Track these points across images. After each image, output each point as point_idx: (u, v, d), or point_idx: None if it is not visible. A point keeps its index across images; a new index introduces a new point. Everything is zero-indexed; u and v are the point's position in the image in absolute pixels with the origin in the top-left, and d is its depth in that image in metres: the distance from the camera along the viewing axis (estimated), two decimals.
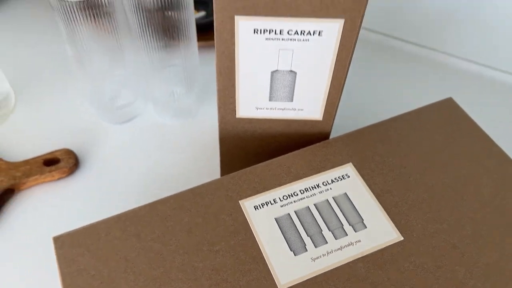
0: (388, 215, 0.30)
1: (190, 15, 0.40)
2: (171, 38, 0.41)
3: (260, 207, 0.31)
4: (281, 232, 0.30)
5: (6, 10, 0.60)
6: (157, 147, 0.45)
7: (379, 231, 0.30)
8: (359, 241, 0.29)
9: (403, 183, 0.32)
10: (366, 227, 0.30)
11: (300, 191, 0.31)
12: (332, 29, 0.28)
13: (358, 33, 0.28)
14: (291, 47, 0.29)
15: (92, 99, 0.46)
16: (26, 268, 0.36)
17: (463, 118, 0.37)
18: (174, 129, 0.47)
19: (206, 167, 0.44)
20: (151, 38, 0.40)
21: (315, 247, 0.29)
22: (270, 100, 0.33)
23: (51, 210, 0.40)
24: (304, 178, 0.32)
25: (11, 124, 0.46)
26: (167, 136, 0.46)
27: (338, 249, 0.29)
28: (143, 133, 0.46)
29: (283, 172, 0.33)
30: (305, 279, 0.27)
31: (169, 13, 0.38)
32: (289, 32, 0.28)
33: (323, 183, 0.32)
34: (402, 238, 0.29)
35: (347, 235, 0.29)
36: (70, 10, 0.37)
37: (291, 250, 0.29)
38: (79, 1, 0.36)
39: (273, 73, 0.31)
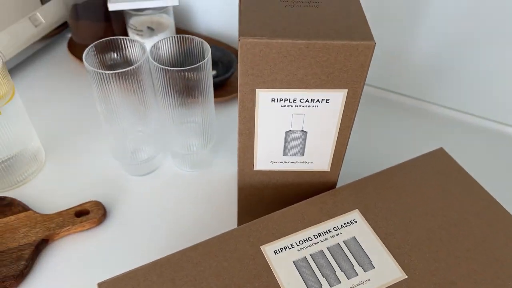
0: (393, 255, 0.34)
1: (209, 76, 0.45)
2: (191, 96, 0.46)
3: (280, 252, 0.35)
4: (299, 273, 0.33)
5: (38, 68, 0.65)
6: (177, 196, 0.49)
7: (385, 271, 0.34)
8: (369, 280, 0.33)
9: (404, 226, 0.36)
10: (374, 267, 0.34)
11: (314, 236, 0.36)
12: (337, 97, 0.33)
13: (360, 99, 0.33)
14: (303, 112, 0.34)
15: (116, 153, 0.50)
16: None
17: (453, 167, 0.41)
18: (192, 179, 0.51)
19: (223, 212, 0.48)
20: (173, 97, 0.45)
21: (330, 286, 0.33)
22: (284, 155, 0.38)
23: (83, 258, 0.43)
24: (317, 224, 0.36)
25: (43, 178, 0.51)
26: (186, 185, 0.51)
27: (350, 287, 0.33)
28: (164, 184, 0.51)
29: (298, 219, 0.37)
30: None
31: (191, 74, 0.43)
32: (301, 100, 0.33)
33: (333, 228, 0.36)
34: (406, 276, 0.33)
35: (357, 274, 0.33)
36: (105, 77, 0.42)
37: None
38: (113, 73, 0.41)
39: (287, 133, 0.36)
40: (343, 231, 0.36)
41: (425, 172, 0.41)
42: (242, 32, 0.30)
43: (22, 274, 0.41)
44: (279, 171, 0.39)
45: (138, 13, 0.61)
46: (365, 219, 0.37)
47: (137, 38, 0.62)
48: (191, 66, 0.42)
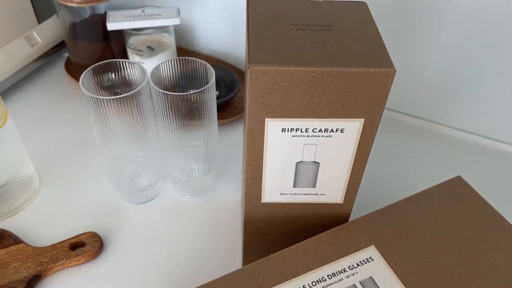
0: None
1: (212, 99, 0.43)
2: (193, 119, 0.43)
3: None
4: None
5: (34, 88, 0.63)
6: (178, 225, 0.47)
7: None
8: None
9: (424, 264, 0.34)
10: None
11: (328, 276, 0.33)
12: (353, 127, 0.31)
13: (377, 128, 0.31)
14: (315, 142, 0.32)
15: (114, 180, 0.47)
16: None
17: (473, 197, 0.39)
18: (193, 206, 0.49)
19: (227, 243, 0.45)
20: (175, 120, 0.43)
21: None
22: (294, 186, 0.35)
23: None
24: (331, 263, 0.34)
25: (37, 207, 0.48)
26: (187, 214, 0.48)
27: None
28: (164, 212, 0.48)
29: (310, 257, 0.34)
30: None
31: (193, 97, 0.41)
32: (314, 130, 0.31)
33: (349, 267, 0.33)
34: None
35: None
36: (102, 102, 0.39)
37: None
38: (111, 99, 0.39)
39: (298, 163, 0.33)
40: (359, 270, 0.33)
41: (443, 203, 0.38)
42: (252, 59, 0.28)
43: None
44: (288, 203, 0.36)
45: (138, 33, 0.59)
46: (382, 256, 0.34)
47: (136, 58, 0.60)
48: (194, 91, 0.40)
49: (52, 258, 0.42)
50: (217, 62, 0.66)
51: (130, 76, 0.45)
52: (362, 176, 0.34)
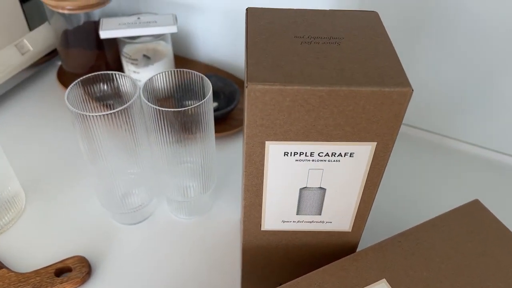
0: None
1: (210, 113, 0.40)
2: (189, 133, 0.40)
3: None
4: None
5: (14, 106, 0.60)
6: (172, 248, 0.43)
7: None
8: None
9: None
10: None
11: None
12: (364, 151, 0.28)
13: (391, 152, 0.28)
14: (321, 167, 0.29)
15: (103, 198, 0.44)
16: None
17: (492, 223, 0.36)
18: (189, 227, 0.46)
19: (224, 268, 0.42)
20: (169, 135, 0.39)
21: None
22: (297, 214, 0.32)
23: None
24: None
25: (21, 228, 0.45)
26: (182, 235, 0.45)
27: None
28: (158, 234, 0.45)
29: None
30: None
31: (189, 112, 0.38)
32: (320, 154, 0.28)
33: None
34: None
35: None
36: (89, 118, 0.36)
37: None
38: (98, 115, 0.36)
39: (301, 189, 0.30)
40: None
41: (461, 230, 0.35)
42: (250, 76, 0.24)
43: None
44: (291, 231, 0.33)
45: (133, 41, 0.56)
46: None
47: (131, 67, 0.57)
48: (189, 107, 0.37)
49: (35, 286, 0.39)
50: (216, 71, 0.63)
51: (121, 87, 0.42)
52: (372, 203, 0.31)
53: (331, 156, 0.28)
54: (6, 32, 0.57)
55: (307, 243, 0.34)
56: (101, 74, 0.40)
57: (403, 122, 0.58)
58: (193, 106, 0.37)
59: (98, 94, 0.42)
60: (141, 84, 0.49)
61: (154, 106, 0.37)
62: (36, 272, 0.40)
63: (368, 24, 0.30)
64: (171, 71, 0.40)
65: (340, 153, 0.28)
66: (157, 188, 0.46)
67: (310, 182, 0.30)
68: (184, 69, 0.40)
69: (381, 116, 0.26)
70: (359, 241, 0.34)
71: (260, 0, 0.38)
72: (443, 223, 0.36)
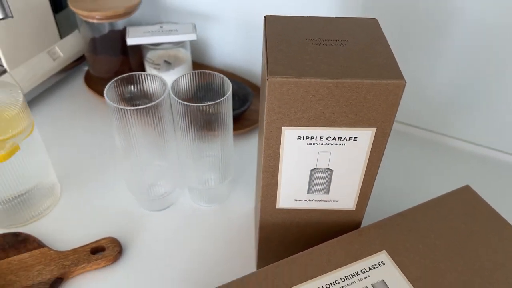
0: None
1: (229, 111, 0.45)
2: (210, 130, 0.45)
3: None
4: None
5: (55, 100, 0.66)
6: (194, 231, 0.48)
7: None
8: None
9: (434, 269, 0.35)
10: None
11: (341, 279, 0.34)
12: (365, 135, 0.32)
13: (388, 137, 0.33)
14: (329, 150, 0.33)
15: (133, 188, 0.49)
16: None
17: (481, 205, 0.40)
18: (208, 213, 0.50)
19: (241, 248, 0.46)
20: (193, 131, 0.44)
21: None
22: (308, 193, 0.37)
23: None
24: (344, 267, 0.35)
25: (58, 213, 0.50)
26: (202, 220, 0.50)
27: None
28: (180, 219, 0.50)
29: (324, 261, 0.35)
30: None
31: (211, 109, 0.43)
32: (328, 138, 0.33)
33: (361, 271, 0.35)
34: None
35: None
36: (126, 112, 0.42)
37: None
38: (134, 109, 0.41)
39: (312, 170, 0.35)
40: (371, 273, 0.35)
41: (452, 211, 0.40)
42: (270, 71, 0.29)
43: None
44: (302, 209, 0.38)
45: (156, 47, 0.62)
46: (393, 261, 0.35)
47: (154, 71, 0.62)
48: (213, 102, 0.42)
49: (74, 262, 0.44)
50: (231, 76, 0.68)
51: (149, 89, 0.47)
52: (373, 183, 0.36)
53: (338, 140, 0.33)
54: (40, 40, 0.63)
55: (317, 220, 0.39)
56: (134, 74, 0.45)
57: (404, 121, 0.62)
58: (216, 101, 0.42)
59: (127, 96, 0.47)
60: None
61: (182, 102, 0.42)
62: (74, 251, 0.45)
63: (368, 29, 0.35)
64: (194, 72, 0.45)
65: (345, 137, 0.33)
66: (180, 179, 0.51)
67: (319, 163, 0.34)
68: (206, 71, 0.45)
69: (380, 105, 0.30)
70: (362, 219, 0.39)
71: (270, 10, 0.44)
72: (437, 204, 0.40)
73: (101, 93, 0.65)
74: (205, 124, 0.44)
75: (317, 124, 0.32)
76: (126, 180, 0.49)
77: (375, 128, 0.32)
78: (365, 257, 0.36)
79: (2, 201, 0.46)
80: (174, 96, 0.42)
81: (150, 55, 0.62)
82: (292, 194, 0.37)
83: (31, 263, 0.43)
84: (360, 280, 0.34)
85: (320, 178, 0.35)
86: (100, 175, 0.54)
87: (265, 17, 0.36)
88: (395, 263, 0.35)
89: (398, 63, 0.31)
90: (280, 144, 0.33)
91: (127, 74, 0.44)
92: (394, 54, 0.32)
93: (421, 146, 0.59)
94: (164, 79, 0.44)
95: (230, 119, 0.46)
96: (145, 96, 0.48)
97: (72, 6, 0.59)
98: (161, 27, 0.61)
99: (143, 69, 0.65)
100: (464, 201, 0.40)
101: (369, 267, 0.35)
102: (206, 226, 0.49)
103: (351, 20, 0.36)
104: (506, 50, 0.51)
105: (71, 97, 0.67)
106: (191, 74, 0.45)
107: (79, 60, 0.70)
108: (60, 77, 0.68)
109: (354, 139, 0.33)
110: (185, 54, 0.64)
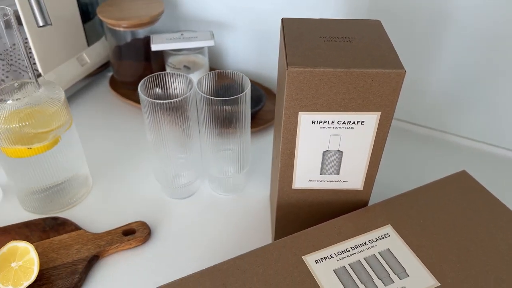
0: (425, 265, 0.37)
1: (247, 107, 0.50)
2: (230, 126, 0.50)
3: (320, 261, 0.38)
4: (340, 281, 0.36)
5: (83, 103, 0.71)
6: (214, 217, 0.53)
7: (419, 279, 0.36)
8: (404, 287, 0.36)
9: (434, 240, 0.39)
10: (408, 276, 0.37)
11: (351, 247, 0.39)
12: (371, 119, 0.37)
13: (391, 121, 0.38)
14: (340, 133, 0.38)
15: (160, 177, 0.54)
16: None
17: (476, 187, 0.45)
18: (227, 201, 0.55)
19: (258, 230, 0.51)
20: (215, 127, 0.50)
21: None
22: (321, 174, 0.41)
23: (131, 273, 0.47)
24: (353, 238, 0.39)
25: (91, 201, 0.55)
26: (221, 207, 0.54)
27: None
28: (202, 206, 0.54)
29: (335, 233, 0.40)
30: None
31: (231, 107, 0.48)
32: (339, 122, 0.38)
33: (369, 241, 0.39)
34: (439, 284, 0.36)
35: (393, 282, 0.36)
36: (156, 107, 0.47)
37: None
38: (165, 102, 0.46)
39: (324, 152, 0.40)
40: (378, 243, 0.39)
41: (450, 191, 0.44)
42: (290, 62, 0.35)
43: (76, 287, 0.44)
44: (315, 189, 0.43)
45: (177, 53, 0.67)
46: (398, 233, 0.40)
47: None
48: (234, 96, 0.47)
49: (108, 242, 0.48)
50: None
51: (174, 89, 0.52)
52: (379, 165, 0.41)
53: (347, 124, 0.38)
54: (70, 47, 0.69)
55: (328, 200, 0.43)
56: (163, 73, 0.50)
57: (404, 121, 0.67)
58: (236, 96, 0.47)
59: (153, 97, 0.52)
60: None
61: (207, 96, 0.47)
62: (108, 233, 0.49)
63: (373, 28, 0.40)
64: (216, 71, 0.51)
65: (354, 121, 0.37)
66: (201, 170, 0.56)
67: (331, 146, 0.39)
68: (227, 70, 0.51)
69: (383, 92, 0.35)
70: (369, 199, 0.43)
71: (280, 17, 0.48)
72: (437, 186, 0.45)
73: (125, 96, 0.70)
74: (225, 120, 0.49)
75: (329, 109, 0.37)
76: (154, 171, 0.54)
77: (380, 113, 0.37)
78: (372, 229, 0.40)
79: (44, 189, 0.51)
80: (199, 91, 0.47)
81: (171, 60, 0.68)
82: (307, 175, 0.42)
83: (70, 243, 0.48)
84: (368, 249, 0.39)
85: (332, 160, 0.40)
86: (127, 168, 0.59)
87: (282, 19, 0.41)
88: (399, 234, 0.40)
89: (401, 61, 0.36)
90: (296, 128, 0.38)
91: (156, 73, 0.50)
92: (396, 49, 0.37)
93: (422, 143, 0.64)
94: (191, 78, 0.50)
95: (248, 115, 0.51)
96: (169, 97, 0.53)
97: (100, 16, 0.65)
98: (181, 34, 0.67)
99: None
100: (460, 182, 0.45)
101: (376, 238, 0.39)
102: (225, 212, 0.54)
103: (358, 21, 0.41)
104: (506, 50, 0.55)
105: (97, 100, 0.72)
106: (214, 73, 0.51)
107: (104, 66, 0.75)
108: (86, 82, 0.73)
109: (362, 123, 0.38)
110: (203, 60, 0.69)
